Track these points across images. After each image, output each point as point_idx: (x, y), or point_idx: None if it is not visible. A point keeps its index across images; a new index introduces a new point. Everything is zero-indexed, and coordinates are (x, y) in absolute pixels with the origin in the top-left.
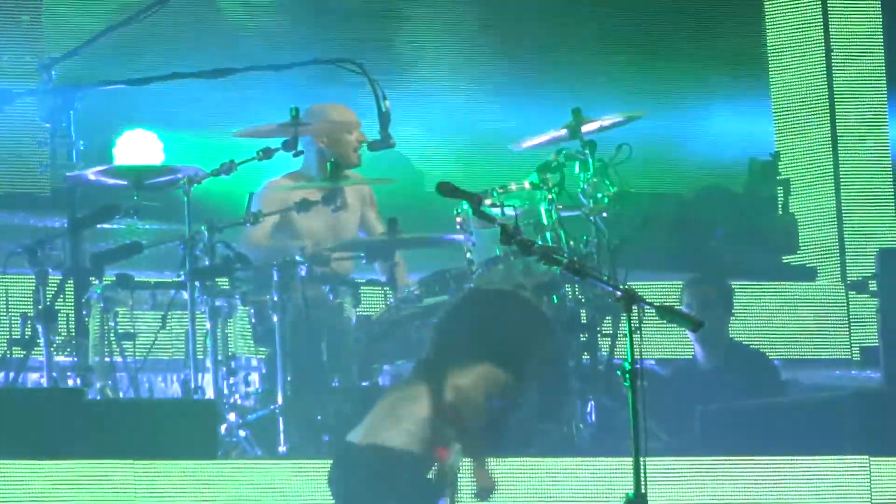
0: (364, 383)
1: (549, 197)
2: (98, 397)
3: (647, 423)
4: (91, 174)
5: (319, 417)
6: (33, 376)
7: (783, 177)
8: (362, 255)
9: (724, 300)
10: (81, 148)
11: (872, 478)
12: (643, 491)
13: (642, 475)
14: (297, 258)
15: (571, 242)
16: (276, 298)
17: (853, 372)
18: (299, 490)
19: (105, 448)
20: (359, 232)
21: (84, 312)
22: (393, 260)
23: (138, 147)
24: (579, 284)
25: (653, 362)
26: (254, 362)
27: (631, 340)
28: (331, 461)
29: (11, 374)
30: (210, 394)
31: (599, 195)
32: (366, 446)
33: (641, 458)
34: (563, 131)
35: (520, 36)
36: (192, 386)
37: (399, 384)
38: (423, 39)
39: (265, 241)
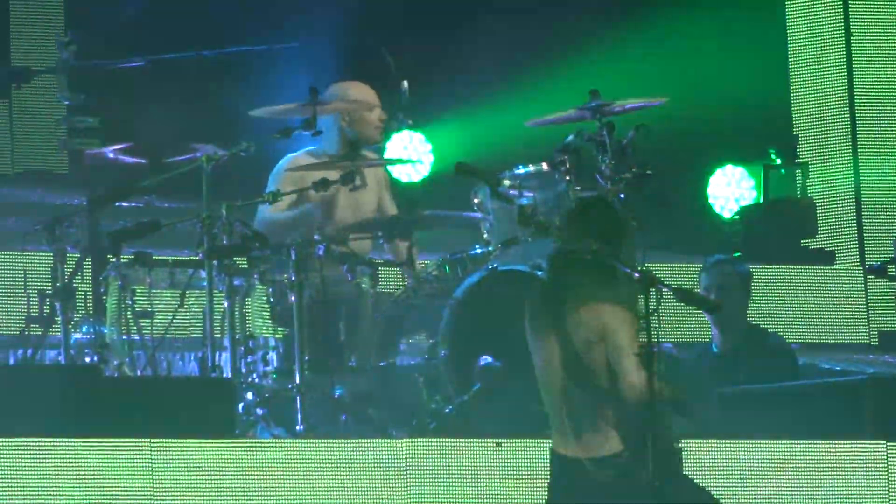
0: (382, 363)
1: (567, 177)
2: (115, 375)
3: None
4: (110, 152)
5: (337, 396)
6: (51, 353)
7: (802, 160)
8: (380, 234)
9: (743, 283)
10: (99, 126)
11: (890, 462)
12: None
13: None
14: (315, 237)
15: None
16: (293, 278)
17: (871, 356)
18: (317, 469)
19: (122, 426)
20: (377, 212)
21: (101, 290)
22: (411, 240)
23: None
24: None
25: (670, 345)
26: (272, 342)
27: (649, 323)
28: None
29: (29, 351)
30: (227, 373)
31: (617, 177)
32: (590, 460)
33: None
34: (582, 112)
35: (539, 17)
36: (210, 364)
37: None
38: (439, 16)
39: (280, 212)
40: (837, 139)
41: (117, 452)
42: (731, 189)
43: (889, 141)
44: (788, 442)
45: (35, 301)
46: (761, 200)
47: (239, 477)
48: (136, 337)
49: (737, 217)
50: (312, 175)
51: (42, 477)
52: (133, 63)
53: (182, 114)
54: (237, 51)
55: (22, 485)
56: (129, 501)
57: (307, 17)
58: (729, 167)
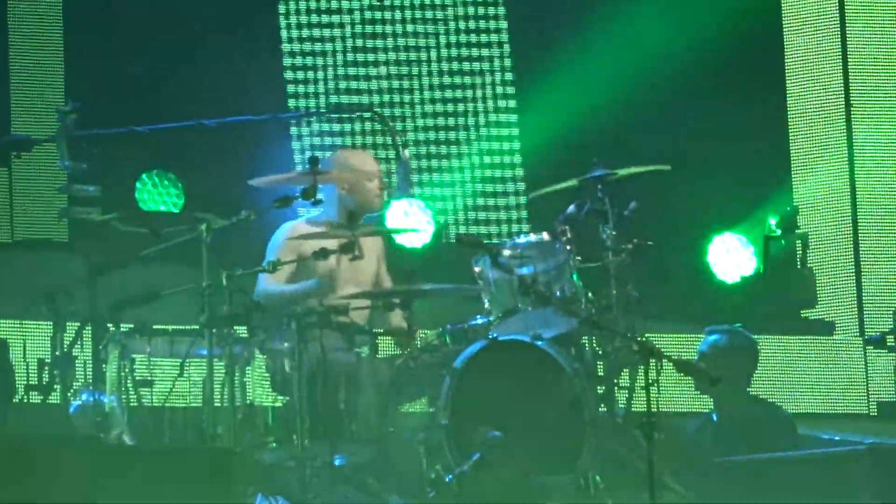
0: (381, 431)
1: (568, 248)
2: (115, 444)
3: (664, 476)
4: (111, 221)
5: (337, 465)
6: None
7: (801, 230)
8: (380, 304)
9: (745, 355)
10: (100, 194)
11: None
12: None
13: None
14: (316, 307)
15: (590, 294)
16: (293, 347)
17: (870, 426)
18: None
19: (122, 495)
20: (373, 283)
21: (101, 359)
22: (411, 310)
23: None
24: (597, 336)
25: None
26: (272, 410)
27: (648, 393)
28: None
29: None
30: (227, 441)
31: (619, 247)
32: None
33: None
34: (583, 182)
35: (535, 82)
36: (210, 433)
37: None
38: (436, 84)
39: (281, 286)
40: (837, 210)
41: None
42: (730, 256)
43: (889, 212)
44: None
45: (34, 369)
46: (761, 270)
47: None
48: (136, 406)
49: (738, 283)
50: (311, 245)
51: None
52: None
53: (182, 182)
54: (238, 120)
55: None
56: None
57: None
58: (727, 235)
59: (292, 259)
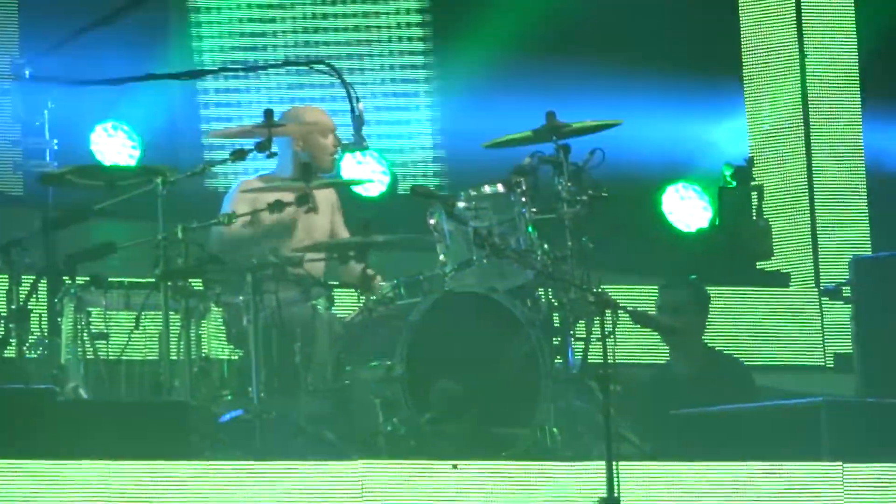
0: (337, 385)
1: (523, 199)
2: (70, 397)
3: (620, 428)
4: (65, 174)
5: (292, 418)
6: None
7: (757, 182)
8: (335, 256)
9: (700, 306)
10: (55, 147)
11: (846, 484)
12: (615, 495)
13: (615, 479)
14: (270, 259)
15: (545, 246)
16: (249, 300)
17: (827, 378)
18: (272, 491)
19: (77, 448)
20: (330, 235)
21: (57, 312)
22: (366, 262)
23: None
24: (553, 288)
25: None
26: (227, 363)
27: (605, 345)
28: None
29: None
30: (183, 394)
31: (574, 199)
32: None
33: (614, 463)
34: (538, 133)
35: (495, 34)
36: (166, 387)
37: None
38: (397, 39)
39: (232, 230)
40: (793, 161)
41: (73, 475)
42: (685, 205)
43: (844, 164)
44: (745, 464)
45: None
46: (716, 222)
47: (195, 499)
48: (92, 359)
49: (693, 234)
50: (265, 199)
51: None
52: (88, 85)
53: (139, 136)
54: (194, 72)
55: None
56: None
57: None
58: (681, 185)
59: (247, 212)
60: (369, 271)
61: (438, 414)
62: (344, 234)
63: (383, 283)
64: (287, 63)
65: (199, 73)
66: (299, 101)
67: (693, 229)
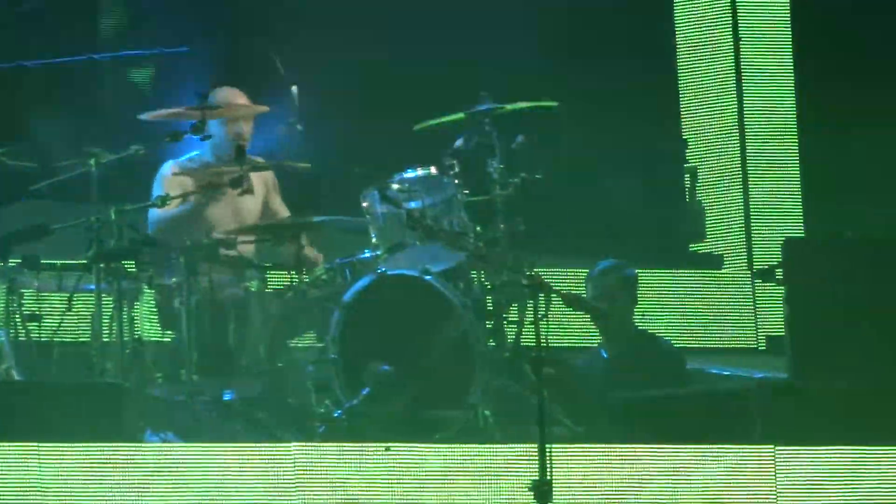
0: (271, 366)
1: (456, 182)
2: (2, 378)
3: (553, 410)
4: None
5: (226, 399)
6: None
7: (690, 164)
8: (268, 238)
9: (628, 289)
10: None
11: (778, 466)
12: (548, 477)
13: (547, 462)
14: (203, 241)
15: (478, 228)
16: (181, 282)
17: (759, 361)
18: (206, 472)
19: (9, 430)
20: (260, 217)
21: None
22: (300, 243)
23: None
24: (486, 271)
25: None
26: (160, 345)
27: (537, 328)
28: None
29: None
30: (116, 376)
31: (506, 181)
32: None
33: (547, 445)
34: (471, 115)
35: (429, 15)
36: (98, 368)
37: None
38: (332, 17)
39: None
40: (726, 143)
41: (4, 456)
42: None
43: (777, 145)
44: (677, 447)
45: None
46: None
47: (127, 480)
48: (24, 340)
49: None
50: (197, 179)
51: None
52: (24, 65)
53: (73, 117)
54: (128, 55)
55: None
56: None
57: (194, 21)
58: None
59: (179, 194)
60: (308, 250)
61: (370, 396)
62: (283, 212)
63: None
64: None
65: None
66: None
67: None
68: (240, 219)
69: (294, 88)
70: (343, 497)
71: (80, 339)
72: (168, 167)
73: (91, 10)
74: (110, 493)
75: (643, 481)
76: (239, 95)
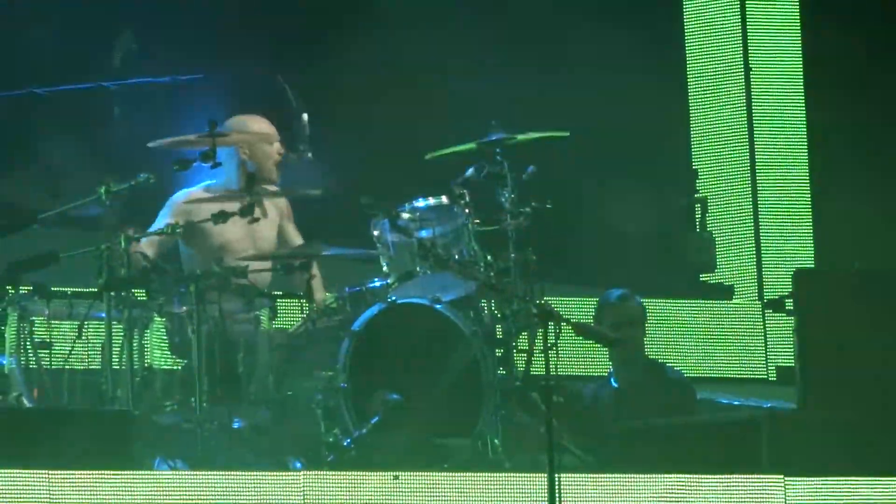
0: (280, 395)
1: (467, 211)
2: (13, 405)
3: (563, 440)
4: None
5: (235, 428)
6: None
7: (701, 194)
8: (280, 267)
9: (641, 318)
10: None
11: (787, 497)
12: None
13: (556, 492)
14: (214, 269)
15: (489, 258)
16: (192, 310)
17: (769, 391)
18: (215, 501)
19: (19, 457)
20: (276, 244)
21: None
22: (310, 273)
23: None
24: (496, 300)
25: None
26: (170, 374)
27: (547, 356)
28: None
29: None
30: (126, 404)
31: (517, 211)
32: None
33: (556, 475)
34: (482, 145)
35: (439, 45)
36: (109, 396)
37: None
38: (339, 48)
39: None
40: (736, 173)
41: (15, 484)
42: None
43: (787, 176)
44: (687, 476)
45: None
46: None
47: None
48: (35, 368)
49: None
50: (207, 209)
51: None
52: (35, 91)
53: (83, 145)
54: (139, 82)
55: None
56: None
57: (208, 49)
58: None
59: (191, 221)
60: (316, 281)
61: (380, 424)
62: (297, 239)
63: (327, 295)
64: (234, 74)
65: (145, 83)
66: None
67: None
68: (254, 246)
69: (305, 116)
70: None
71: (91, 367)
72: (181, 195)
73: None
74: None
75: None
76: (264, 122)
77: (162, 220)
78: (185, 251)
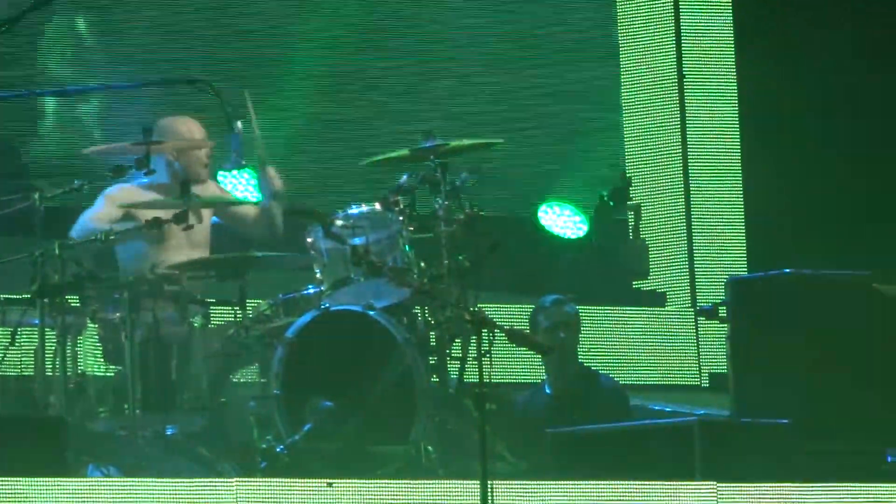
0: (213, 402)
1: (401, 218)
2: None
3: (496, 446)
4: None
5: (169, 434)
6: None
7: (634, 201)
8: (212, 274)
9: (573, 325)
10: None
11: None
12: None
13: (489, 498)
14: (147, 276)
15: (422, 264)
16: (125, 317)
17: (701, 398)
18: None
19: None
20: (211, 247)
21: None
22: (245, 279)
23: None
24: (430, 307)
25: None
26: (104, 380)
27: (480, 364)
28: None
29: None
30: (59, 411)
31: (451, 218)
32: None
33: (489, 482)
34: (416, 152)
35: (374, 53)
36: (42, 402)
37: None
38: (275, 57)
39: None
40: (670, 181)
41: None
42: (560, 224)
43: (720, 183)
44: (620, 483)
45: None
46: (593, 239)
47: None
48: None
49: (570, 254)
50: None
51: None
52: None
53: (17, 152)
54: (72, 90)
55: None
56: None
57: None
58: (556, 206)
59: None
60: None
61: (313, 431)
62: (250, 210)
63: (261, 301)
64: (165, 81)
65: (79, 91)
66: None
67: (572, 237)
68: (189, 251)
69: (238, 124)
70: None
71: (24, 373)
72: (116, 187)
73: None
74: None
75: None
76: (194, 125)
77: (98, 210)
78: (122, 251)
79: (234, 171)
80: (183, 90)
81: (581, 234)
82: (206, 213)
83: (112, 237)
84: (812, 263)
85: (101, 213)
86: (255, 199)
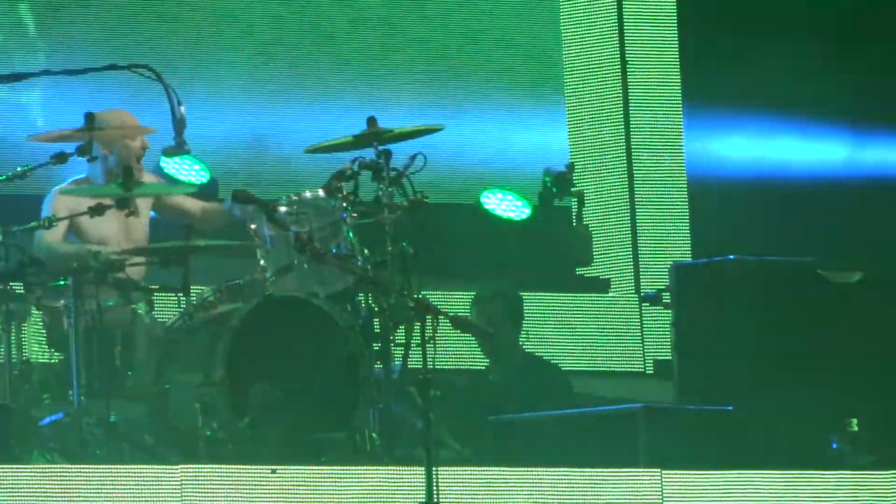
0: (157, 388)
1: (344, 204)
2: None
3: (440, 433)
4: None
5: (112, 421)
6: None
7: (577, 188)
8: (155, 260)
9: (514, 312)
10: None
11: (664, 491)
12: (434, 500)
13: (434, 484)
14: (92, 263)
15: (366, 251)
16: (69, 304)
17: (646, 385)
18: (91, 495)
19: None
20: (150, 236)
21: None
22: (188, 266)
23: None
24: (373, 293)
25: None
26: (48, 367)
27: (424, 350)
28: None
29: None
30: (3, 398)
31: (394, 204)
32: None
33: (433, 467)
34: (359, 139)
35: (318, 40)
36: None
37: None
38: (218, 42)
39: (60, 244)
40: (613, 167)
41: None
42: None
43: (664, 170)
44: (563, 470)
45: None
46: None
47: (13, 502)
48: None
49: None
50: (85, 203)
51: None
52: None
53: None
54: (15, 75)
55: None
56: None
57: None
58: (498, 192)
59: (66, 216)
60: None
61: (257, 418)
62: (190, 202)
63: (204, 288)
64: (108, 67)
65: (20, 76)
66: (118, 106)
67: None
68: (129, 239)
69: (182, 108)
70: None
71: None
72: (53, 192)
73: None
74: None
75: None
76: (128, 116)
77: (46, 212)
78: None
79: (177, 158)
80: (126, 76)
81: (524, 216)
82: (144, 208)
83: (55, 225)
84: (754, 248)
85: (57, 231)
86: (196, 183)
